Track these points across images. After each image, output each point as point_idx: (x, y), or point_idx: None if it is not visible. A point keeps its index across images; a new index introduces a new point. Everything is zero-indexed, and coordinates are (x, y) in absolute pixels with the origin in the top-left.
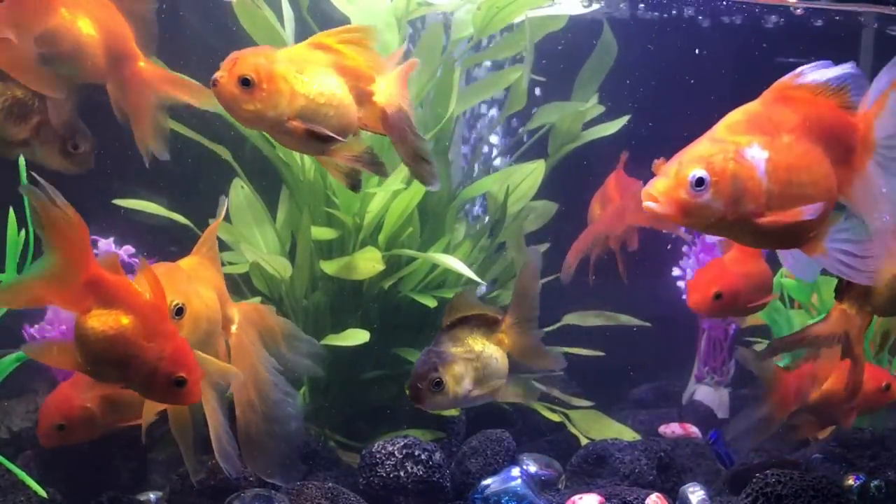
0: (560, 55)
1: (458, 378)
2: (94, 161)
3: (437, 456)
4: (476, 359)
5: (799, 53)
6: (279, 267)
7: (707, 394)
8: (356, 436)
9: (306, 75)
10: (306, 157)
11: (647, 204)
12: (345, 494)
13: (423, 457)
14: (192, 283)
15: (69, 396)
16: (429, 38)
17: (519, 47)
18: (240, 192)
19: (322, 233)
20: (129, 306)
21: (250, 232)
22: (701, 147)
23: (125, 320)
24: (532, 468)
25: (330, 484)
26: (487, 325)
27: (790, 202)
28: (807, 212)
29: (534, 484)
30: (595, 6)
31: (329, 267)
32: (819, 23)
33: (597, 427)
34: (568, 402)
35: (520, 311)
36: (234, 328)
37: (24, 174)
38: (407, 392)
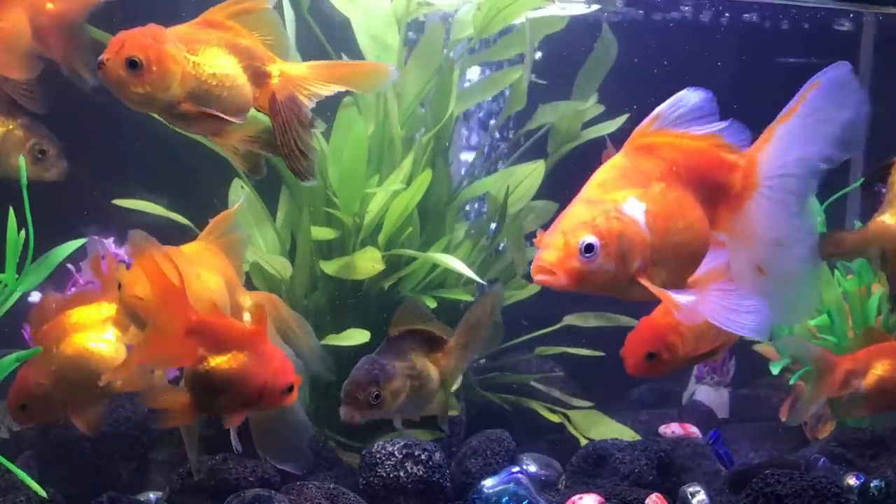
0: (560, 55)
1: (396, 394)
2: (66, 167)
3: (437, 456)
4: (416, 377)
5: (799, 53)
6: (279, 267)
7: (707, 394)
8: (356, 436)
9: (197, 55)
10: None
11: (541, 277)
12: (345, 494)
13: (423, 457)
14: (192, 265)
15: (25, 377)
16: (429, 38)
17: (520, 48)
18: (240, 192)
19: (322, 233)
20: (236, 342)
21: (250, 232)
22: (581, 211)
23: (241, 357)
24: (532, 468)
25: (330, 484)
26: (431, 343)
27: (670, 251)
28: (682, 308)
29: (534, 484)
30: (595, 7)
31: (329, 267)
32: (819, 23)
33: (597, 427)
34: (568, 402)
35: (466, 338)
36: (245, 316)
37: (24, 175)
38: (341, 395)
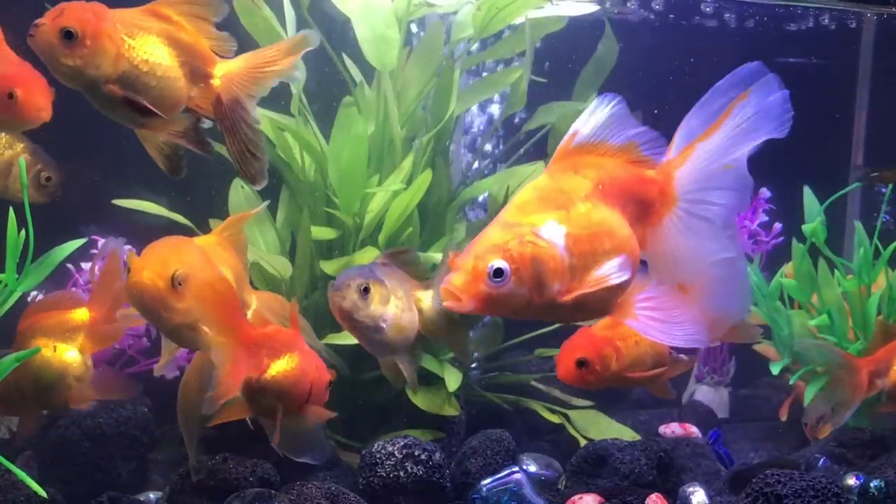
0: (560, 55)
1: (384, 298)
2: (60, 191)
3: (437, 456)
4: (400, 297)
5: (799, 53)
6: (279, 267)
7: (707, 394)
8: (356, 436)
9: (135, 40)
10: (306, 157)
11: (448, 303)
12: (345, 494)
13: (423, 457)
14: (202, 257)
15: None
16: (429, 38)
17: (519, 47)
18: (240, 192)
19: (322, 233)
20: (287, 346)
21: (250, 232)
22: (494, 234)
23: (295, 359)
24: (532, 468)
25: (330, 484)
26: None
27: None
28: (611, 276)
29: (534, 484)
30: (595, 7)
31: (329, 267)
32: (819, 23)
33: (597, 427)
34: (568, 402)
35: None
36: (249, 313)
37: (24, 175)
38: (330, 302)
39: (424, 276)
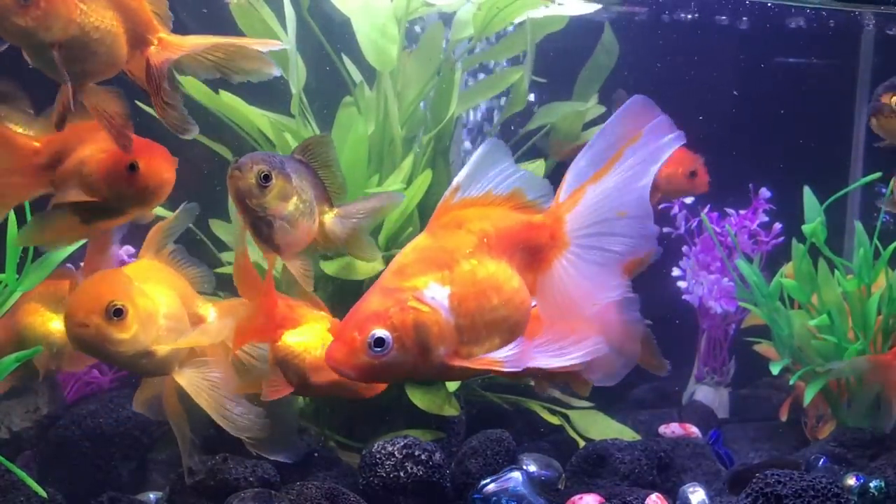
0: (560, 55)
1: (283, 194)
2: None
3: (437, 456)
4: (305, 200)
5: (799, 53)
6: (279, 267)
7: (707, 394)
8: (356, 436)
9: (86, 4)
10: None
11: (336, 372)
12: (345, 494)
13: (423, 457)
14: (137, 282)
15: None
16: (429, 38)
17: (520, 47)
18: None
19: None
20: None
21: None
22: (374, 302)
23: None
24: (532, 468)
25: (330, 484)
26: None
27: (485, 330)
28: (507, 363)
29: (534, 484)
30: (597, 6)
31: (329, 267)
32: (819, 23)
33: (597, 427)
34: (568, 402)
35: (353, 210)
36: (209, 322)
37: None
38: (228, 178)
39: (341, 188)
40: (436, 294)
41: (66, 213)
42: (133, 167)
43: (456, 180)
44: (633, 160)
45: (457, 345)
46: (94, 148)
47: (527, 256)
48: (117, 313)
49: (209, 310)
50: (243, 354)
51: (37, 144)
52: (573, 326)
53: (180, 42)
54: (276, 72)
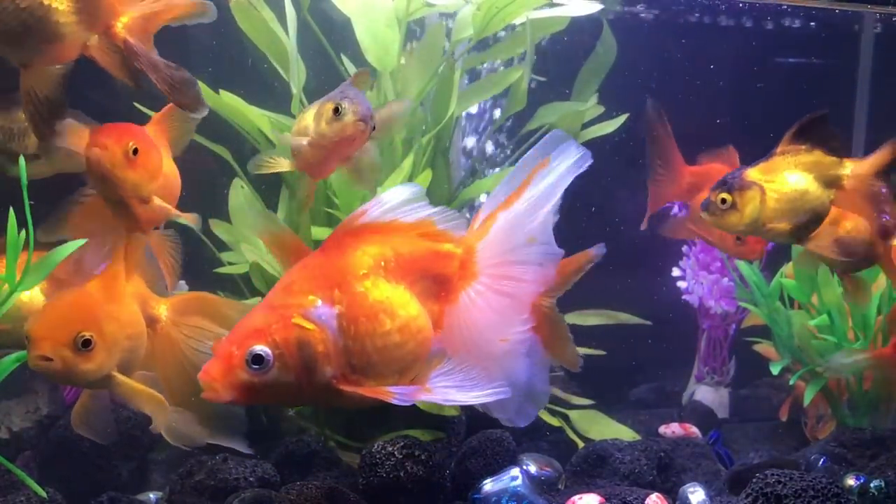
0: (560, 55)
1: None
2: None
3: (437, 456)
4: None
5: (799, 53)
6: (279, 267)
7: (707, 394)
8: (356, 436)
9: None
10: None
11: (206, 393)
12: (345, 494)
13: (423, 457)
14: (104, 305)
15: None
16: (429, 38)
17: (520, 48)
18: (240, 192)
19: (322, 233)
20: None
21: (250, 232)
22: (257, 318)
23: None
24: (532, 468)
25: (330, 484)
26: None
27: (377, 355)
28: (397, 396)
29: (534, 484)
30: (598, 6)
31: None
32: (818, 23)
33: (597, 427)
34: (568, 402)
35: None
36: (159, 326)
37: (24, 175)
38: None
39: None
40: (323, 313)
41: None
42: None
43: (363, 206)
44: (541, 185)
45: (345, 368)
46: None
47: (433, 285)
48: (85, 344)
49: (162, 308)
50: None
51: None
52: (479, 362)
53: (141, 13)
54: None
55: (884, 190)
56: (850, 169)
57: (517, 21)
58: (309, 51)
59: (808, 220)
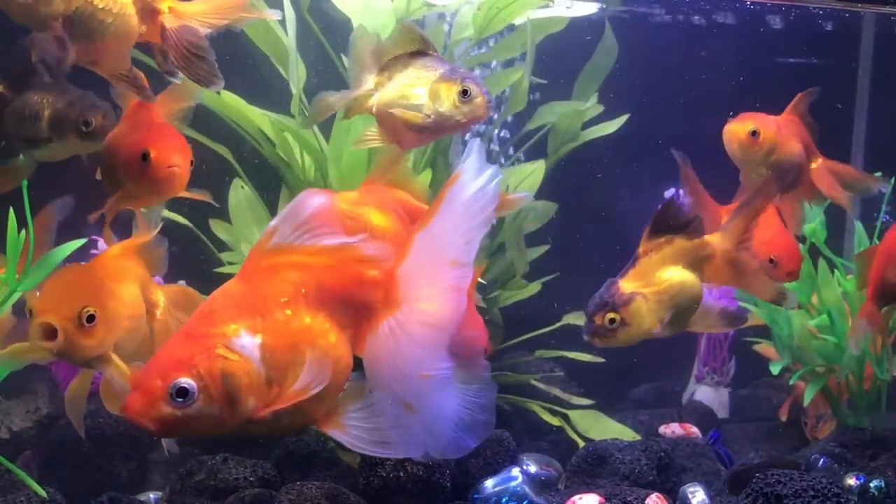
0: (561, 56)
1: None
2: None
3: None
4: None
5: (799, 53)
6: None
7: (707, 394)
8: None
9: None
10: (306, 157)
11: (132, 424)
12: (345, 494)
13: None
14: (107, 282)
15: None
16: None
17: (520, 48)
18: (240, 192)
19: None
20: None
21: (250, 232)
22: (180, 348)
23: None
24: (532, 468)
25: (330, 484)
26: None
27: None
28: (308, 388)
29: (534, 484)
30: (598, 6)
31: None
32: (819, 23)
33: (597, 427)
34: (568, 402)
35: None
36: (158, 312)
37: (24, 175)
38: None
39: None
40: (246, 343)
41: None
42: (145, 156)
43: (272, 223)
44: (456, 202)
45: (266, 398)
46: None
47: (354, 314)
48: (90, 319)
49: (160, 295)
50: None
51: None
52: (403, 394)
53: (191, 10)
54: (276, 15)
55: (749, 257)
56: (714, 245)
57: (517, 21)
58: (309, 51)
59: (692, 307)
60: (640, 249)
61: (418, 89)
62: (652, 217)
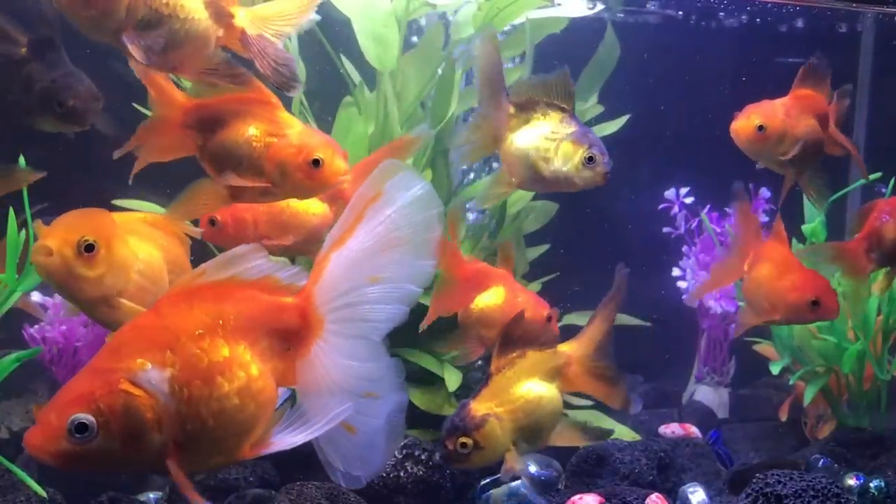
0: (561, 56)
1: None
2: (89, 117)
3: (437, 456)
4: None
5: (800, 54)
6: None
7: (707, 394)
8: None
9: None
10: None
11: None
12: (345, 494)
13: (423, 457)
14: (120, 230)
15: None
16: (429, 39)
17: (520, 48)
18: None
19: None
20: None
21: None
22: (81, 383)
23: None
24: (532, 468)
25: (330, 484)
26: None
27: (213, 418)
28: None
29: (534, 484)
30: (599, 6)
31: None
32: (818, 23)
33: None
34: (568, 402)
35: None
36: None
37: (24, 176)
38: None
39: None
40: (153, 377)
41: (217, 186)
42: (317, 163)
43: (202, 266)
44: (376, 220)
45: (178, 434)
46: (263, 130)
47: (278, 342)
48: (88, 248)
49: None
50: None
51: (186, 103)
52: (349, 431)
53: (263, 13)
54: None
55: (606, 364)
56: (568, 356)
57: (517, 21)
58: (309, 51)
59: (553, 421)
60: (493, 367)
61: (550, 142)
62: (501, 332)
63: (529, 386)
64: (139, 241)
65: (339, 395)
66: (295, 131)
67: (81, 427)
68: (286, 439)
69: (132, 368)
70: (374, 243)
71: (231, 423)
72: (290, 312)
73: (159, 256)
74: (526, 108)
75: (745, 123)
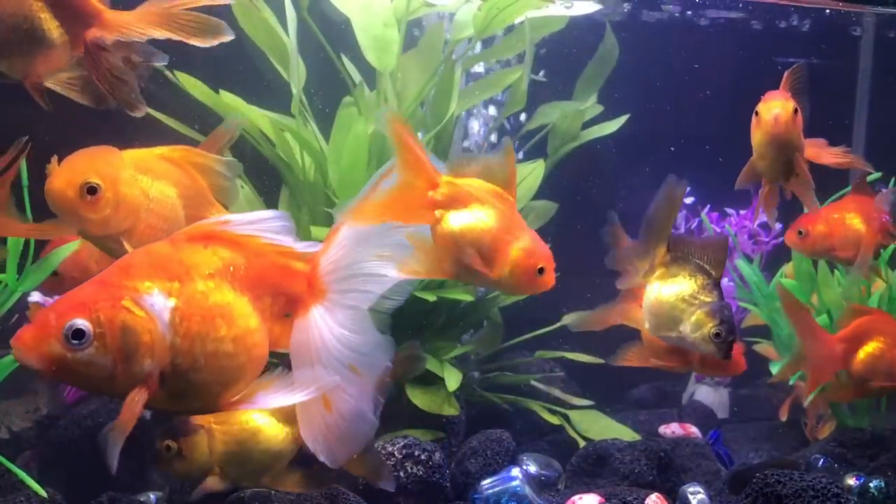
0: (561, 56)
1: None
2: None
3: (437, 456)
4: None
5: (800, 53)
6: None
7: (707, 394)
8: None
9: None
10: (307, 157)
11: (17, 358)
12: (345, 494)
13: (423, 457)
14: (129, 169)
15: None
16: (429, 38)
17: (519, 48)
18: (240, 192)
19: (322, 233)
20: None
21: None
22: (86, 292)
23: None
24: (532, 468)
25: (330, 484)
26: None
27: (203, 360)
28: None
29: (534, 484)
30: (596, 7)
31: None
32: (819, 23)
33: (597, 427)
34: (568, 402)
35: None
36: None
37: (24, 174)
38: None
39: None
40: (156, 302)
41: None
42: (541, 271)
43: (228, 215)
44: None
45: (168, 365)
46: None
47: (281, 303)
48: (91, 191)
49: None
50: None
51: (437, 180)
52: (326, 408)
53: (123, 20)
54: (229, 35)
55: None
56: None
57: (517, 21)
58: (309, 51)
59: (265, 458)
60: None
61: (686, 306)
62: None
63: (254, 417)
64: (152, 179)
65: (327, 361)
66: (529, 236)
67: (78, 333)
68: (266, 399)
69: (139, 289)
70: (384, 225)
71: (220, 368)
72: (298, 278)
73: (174, 194)
74: (678, 262)
75: (784, 105)
